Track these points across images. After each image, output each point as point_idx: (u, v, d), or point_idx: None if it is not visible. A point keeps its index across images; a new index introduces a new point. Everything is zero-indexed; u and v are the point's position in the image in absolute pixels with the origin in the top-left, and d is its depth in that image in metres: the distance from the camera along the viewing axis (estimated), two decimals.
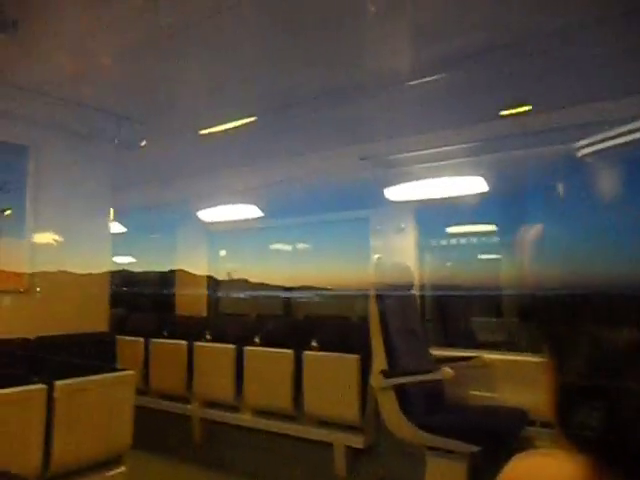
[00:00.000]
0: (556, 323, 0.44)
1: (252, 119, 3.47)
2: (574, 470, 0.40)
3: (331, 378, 3.50)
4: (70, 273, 3.56)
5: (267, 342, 4.09)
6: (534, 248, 0.45)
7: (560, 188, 0.45)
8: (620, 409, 0.36)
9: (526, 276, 0.46)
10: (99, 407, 2.64)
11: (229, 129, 3.55)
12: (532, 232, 0.46)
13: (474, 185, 3.61)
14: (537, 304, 0.45)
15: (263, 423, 3.77)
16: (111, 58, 2.70)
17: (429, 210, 4.12)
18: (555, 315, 0.44)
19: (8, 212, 3.39)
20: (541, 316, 0.45)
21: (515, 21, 2.25)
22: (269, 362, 3.83)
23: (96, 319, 3.62)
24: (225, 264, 5.65)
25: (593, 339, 0.39)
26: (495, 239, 4.24)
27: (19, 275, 3.33)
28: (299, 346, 3.75)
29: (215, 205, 4.83)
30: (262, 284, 5.58)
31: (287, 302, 5.16)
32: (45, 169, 3.45)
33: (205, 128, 3.61)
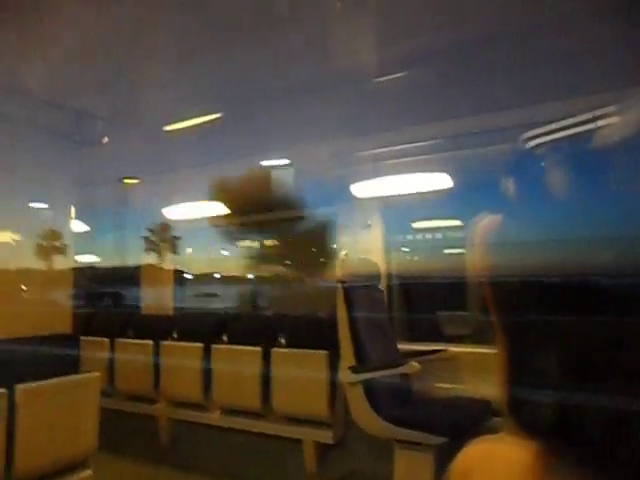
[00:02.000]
0: (507, 311, 0.44)
1: (217, 115, 3.45)
2: (524, 455, 0.41)
3: (300, 374, 3.50)
4: (31, 271, 3.46)
5: (235, 340, 4.07)
6: (488, 238, 0.46)
7: (510, 181, 0.46)
8: (569, 398, 0.37)
9: (479, 267, 0.47)
10: (63, 410, 2.58)
11: (194, 125, 3.52)
12: (485, 223, 0.46)
13: (439, 181, 3.66)
14: (490, 294, 0.45)
15: (232, 421, 3.75)
16: (73, 55, 2.63)
17: (395, 206, 4.16)
18: (506, 303, 0.44)
19: None
20: (494, 304, 0.46)
21: (481, 20, 2.29)
22: (237, 360, 3.81)
23: (59, 320, 3.54)
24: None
25: (544, 328, 0.39)
26: (460, 234, 4.32)
27: None
28: (267, 343, 3.74)
29: (180, 202, 4.77)
30: (233, 277, 5.56)
31: (255, 299, 5.15)
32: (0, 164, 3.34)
33: (169, 124, 3.56)
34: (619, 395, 0.35)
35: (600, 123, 0.40)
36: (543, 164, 0.45)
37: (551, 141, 0.44)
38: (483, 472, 0.47)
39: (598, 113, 0.40)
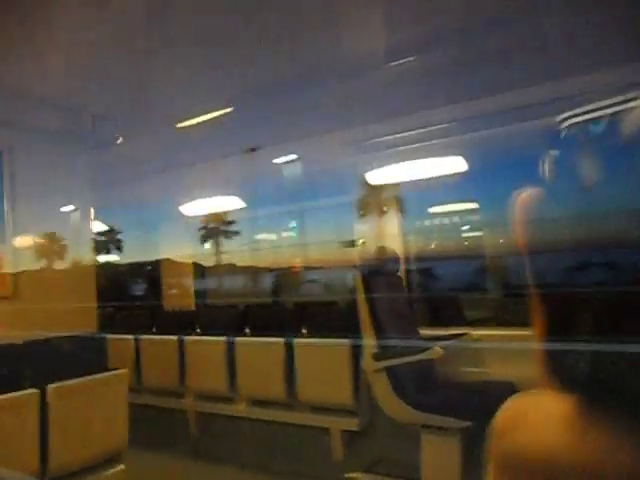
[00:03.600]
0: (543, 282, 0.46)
1: (229, 109, 3.45)
2: (565, 407, 0.42)
3: (323, 364, 3.52)
4: (54, 270, 3.52)
5: (258, 332, 4.11)
6: (529, 211, 0.47)
7: (544, 162, 0.48)
8: (604, 353, 0.38)
9: (520, 240, 0.48)
10: (93, 407, 2.64)
11: (207, 121, 3.53)
12: (526, 195, 0.48)
13: (454, 165, 3.63)
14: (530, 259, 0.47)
15: (258, 412, 3.79)
16: (83, 57, 2.65)
17: (411, 192, 4.14)
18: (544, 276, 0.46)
19: None
20: (532, 277, 0.47)
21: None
22: (260, 351, 3.85)
23: (84, 319, 3.60)
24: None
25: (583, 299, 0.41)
26: (477, 217, 4.28)
27: (2, 277, 3.29)
28: (289, 334, 3.76)
29: (196, 198, 4.80)
30: (250, 267, 5.59)
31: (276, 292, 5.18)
32: (20, 172, 3.39)
33: (182, 121, 3.57)
34: None
35: (633, 104, 0.41)
36: (579, 145, 0.46)
37: (585, 121, 0.46)
38: (526, 424, 0.49)
39: (631, 95, 0.41)
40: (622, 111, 0.42)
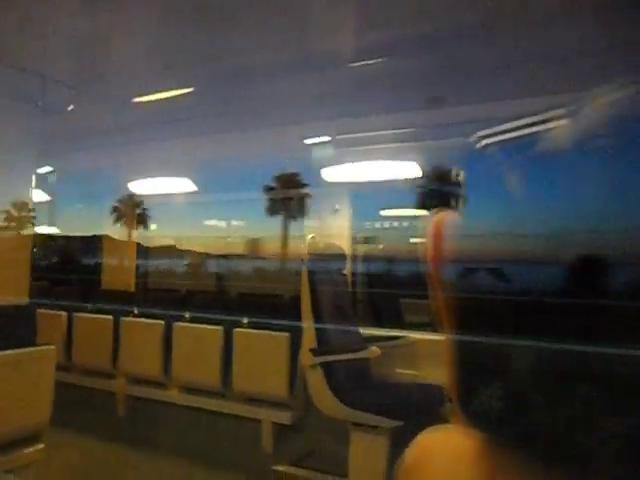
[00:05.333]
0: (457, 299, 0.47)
1: (189, 90, 3.37)
2: (474, 445, 0.43)
3: (261, 355, 3.51)
4: None
5: (197, 319, 4.05)
6: (440, 233, 0.48)
7: (461, 176, 0.49)
8: (519, 391, 0.38)
9: (431, 258, 0.50)
10: (16, 383, 2.53)
11: (165, 99, 3.43)
12: (439, 217, 0.49)
13: (408, 170, 3.69)
14: (438, 282, 0.48)
15: (191, 400, 3.74)
16: (42, 17, 2.52)
17: (364, 192, 4.18)
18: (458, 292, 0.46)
19: None
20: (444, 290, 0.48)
21: (457, 13, 2.30)
22: (198, 339, 3.79)
23: (15, 289, 3.43)
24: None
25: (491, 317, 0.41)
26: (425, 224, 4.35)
27: None
28: (229, 323, 3.73)
29: (147, 177, 4.67)
30: (190, 251, 5.50)
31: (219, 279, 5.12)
32: None
33: (140, 96, 3.46)
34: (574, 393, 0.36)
35: (550, 125, 0.43)
36: (491, 162, 0.48)
37: (501, 141, 0.47)
38: (434, 461, 0.49)
39: (549, 115, 0.43)
40: (539, 132, 0.44)
